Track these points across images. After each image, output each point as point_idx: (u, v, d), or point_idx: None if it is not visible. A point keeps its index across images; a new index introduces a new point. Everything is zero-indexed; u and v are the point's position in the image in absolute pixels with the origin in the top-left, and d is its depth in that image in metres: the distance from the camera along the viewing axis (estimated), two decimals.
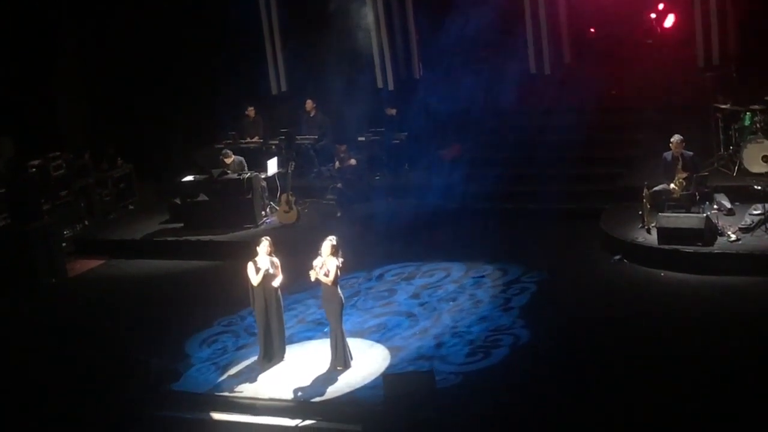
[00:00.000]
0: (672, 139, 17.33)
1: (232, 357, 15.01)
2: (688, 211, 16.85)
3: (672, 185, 17.17)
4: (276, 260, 14.26)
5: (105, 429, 13.66)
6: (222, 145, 22.06)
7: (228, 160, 20.72)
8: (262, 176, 20.94)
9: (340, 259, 13.86)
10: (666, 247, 16.44)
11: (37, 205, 19.81)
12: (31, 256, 18.92)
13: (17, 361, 15.77)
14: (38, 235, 19.09)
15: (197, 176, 21.12)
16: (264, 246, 14.22)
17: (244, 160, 20.96)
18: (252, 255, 14.32)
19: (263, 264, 14.14)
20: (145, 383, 14.28)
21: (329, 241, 13.88)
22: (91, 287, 19.06)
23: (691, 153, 17.39)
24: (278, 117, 23.65)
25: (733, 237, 16.37)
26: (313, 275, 13.87)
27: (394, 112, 22.63)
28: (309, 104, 23.09)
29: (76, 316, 17.50)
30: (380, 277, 17.47)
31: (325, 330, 14.54)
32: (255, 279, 14.15)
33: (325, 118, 23.16)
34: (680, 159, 17.25)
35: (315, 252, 13.96)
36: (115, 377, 14.49)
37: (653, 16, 23.68)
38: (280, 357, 14.45)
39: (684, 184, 17.09)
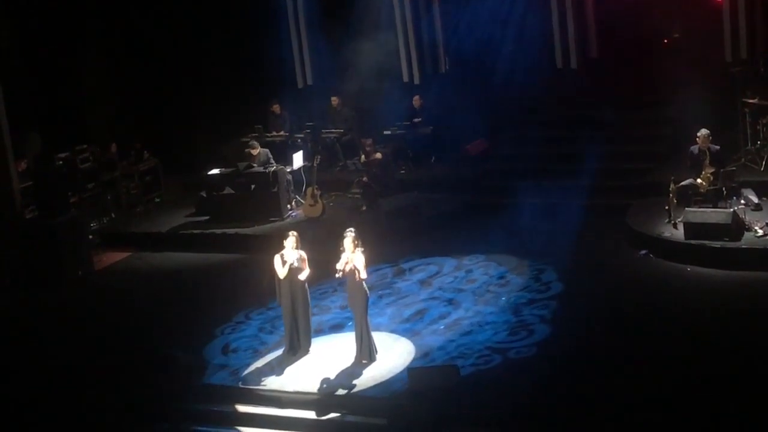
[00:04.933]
0: (699, 134, 17.27)
1: (258, 349, 15.07)
2: (715, 206, 16.78)
3: (699, 180, 17.10)
4: (303, 254, 14.28)
5: (132, 422, 13.73)
6: (248, 138, 22.13)
7: (254, 152, 20.78)
8: (288, 170, 21.00)
9: (360, 249, 13.88)
10: (692, 242, 16.38)
11: (65, 198, 19.90)
12: (59, 249, 19.00)
13: (44, 353, 15.85)
14: (65, 228, 19.17)
15: (223, 169, 21.19)
16: (291, 240, 14.24)
17: (269, 152, 21.02)
18: (279, 248, 14.36)
19: (289, 257, 14.17)
20: (171, 376, 14.35)
21: (349, 237, 13.86)
22: (118, 280, 19.15)
23: (717, 147, 17.31)
24: (304, 110, 23.68)
25: (761, 232, 16.29)
26: (339, 275, 13.89)
27: (421, 102, 22.60)
28: (334, 100, 23.14)
29: (103, 308, 17.58)
30: (411, 269, 17.56)
31: (350, 323, 14.56)
32: (281, 272, 14.19)
33: (351, 111, 23.19)
34: (707, 153, 17.18)
35: (339, 245, 13.94)
36: (142, 370, 14.57)
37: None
38: (305, 350, 14.48)
39: (711, 179, 17.02)
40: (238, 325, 16.02)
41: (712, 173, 17.03)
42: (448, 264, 17.59)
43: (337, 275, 13.94)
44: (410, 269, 17.57)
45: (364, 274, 13.83)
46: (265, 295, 15.55)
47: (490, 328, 14.80)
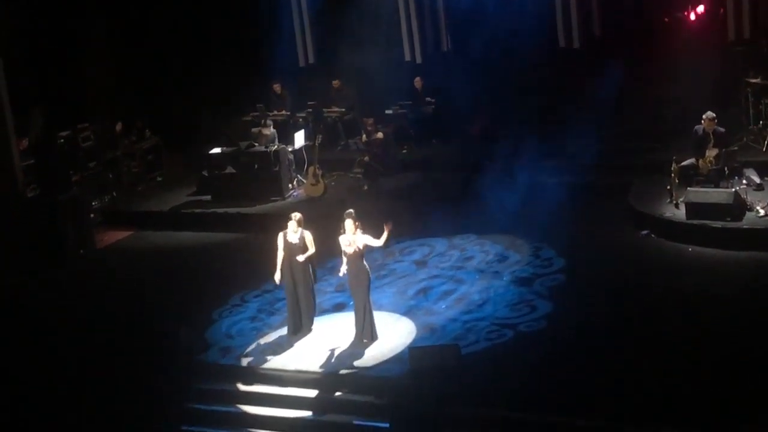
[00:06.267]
0: (704, 116, 17.19)
1: (259, 329, 15.10)
2: (717, 186, 16.77)
3: (701, 162, 17.06)
4: (307, 234, 14.26)
5: (132, 400, 13.77)
6: (250, 117, 22.10)
7: (266, 132, 20.77)
8: (290, 149, 20.98)
9: (361, 230, 13.87)
10: (694, 222, 16.38)
11: (66, 176, 19.90)
12: (60, 228, 19.02)
13: (46, 332, 15.89)
14: (67, 207, 19.19)
15: (225, 148, 21.17)
16: (293, 222, 14.23)
17: (276, 134, 21.02)
18: (280, 227, 14.38)
19: (291, 237, 14.18)
20: (173, 355, 14.38)
21: (349, 217, 13.86)
22: (119, 258, 19.17)
23: (723, 130, 17.25)
24: (305, 89, 23.63)
25: (762, 212, 16.27)
26: (345, 258, 13.92)
27: (422, 83, 22.58)
28: (336, 83, 23.09)
29: (105, 287, 17.61)
30: (402, 251, 17.59)
31: (352, 303, 14.55)
32: (279, 252, 14.20)
33: (352, 91, 23.14)
34: (711, 136, 17.11)
35: (340, 225, 13.93)
36: (144, 349, 14.60)
37: None
38: (307, 329, 14.50)
39: (713, 162, 16.97)
40: (235, 307, 15.96)
41: (715, 156, 16.98)
42: (440, 244, 17.62)
43: (340, 273, 14.06)
44: (401, 251, 17.53)
45: (379, 242, 13.83)
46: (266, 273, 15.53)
47: (497, 304, 14.91)
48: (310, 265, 14.37)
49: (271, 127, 20.95)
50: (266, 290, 16.26)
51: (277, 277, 14.30)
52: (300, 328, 14.47)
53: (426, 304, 15.27)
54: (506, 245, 17.17)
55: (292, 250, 14.19)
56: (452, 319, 14.62)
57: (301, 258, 14.20)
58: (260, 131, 20.91)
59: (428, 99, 22.50)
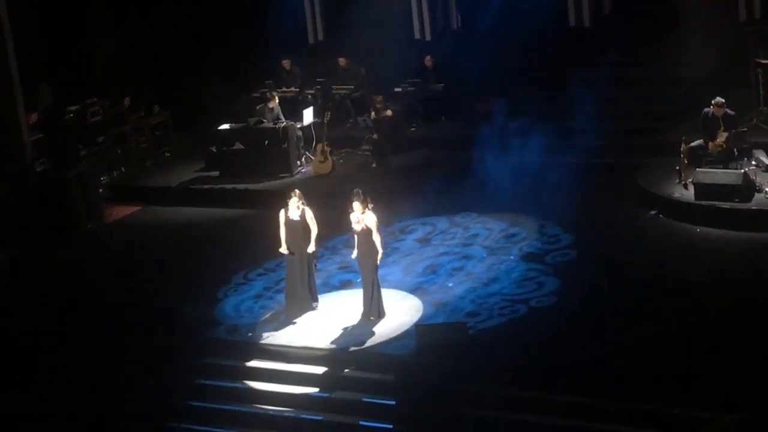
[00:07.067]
0: (713, 101, 17.08)
1: (265, 306, 15.13)
2: (726, 167, 16.72)
3: (711, 144, 17.01)
4: (308, 211, 14.26)
5: (139, 376, 13.81)
6: (259, 94, 22.07)
7: (271, 105, 20.72)
8: (298, 126, 20.95)
9: (371, 205, 13.87)
10: (703, 202, 16.37)
11: (75, 151, 19.91)
12: (69, 202, 19.06)
13: (52, 306, 15.94)
14: (76, 182, 19.22)
15: (233, 124, 21.14)
16: (293, 199, 14.23)
17: (280, 108, 21.00)
18: (285, 203, 14.40)
19: (292, 214, 14.20)
20: (179, 330, 14.42)
21: (357, 198, 13.84)
22: (127, 233, 19.19)
23: (732, 113, 17.18)
24: (315, 67, 23.57)
25: None
26: (357, 237, 13.93)
27: (433, 61, 22.53)
28: (342, 61, 23.02)
29: (112, 262, 17.63)
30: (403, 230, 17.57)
31: (359, 280, 14.57)
32: (281, 228, 14.25)
33: (361, 69, 23.09)
34: (720, 121, 17.03)
35: (349, 202, 13.93)
36: (150, 324, 14.63)
37: None
38: (310, 306, 14.52)
39: (723, 147, 16.91)
40: (240, 285, 15.94)
41: (724, 141, 16.91)
42: (442, 222, 17.59)
43: (353, 256, 14.08)
44: (402, 229, 17.47)
45: (376, 236, 13.81)
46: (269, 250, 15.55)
47: (506, 280, 14.96)
48: (312, 242, 14.36)
49: (276, 100, 20.89)
50: (268, 268, 16.27)
51: (283, 249, 14.32)
52: (302, 305, 14.46)
53: (436, 281, 15.29)
54: (510, 223, 17.16)
55: (293, 226, 14.20)
56: (462, 296, 14.64)
57: (309, 250, 14.20)
58: (265, 105, 20.87)
59: (437, 81, 22.44)
